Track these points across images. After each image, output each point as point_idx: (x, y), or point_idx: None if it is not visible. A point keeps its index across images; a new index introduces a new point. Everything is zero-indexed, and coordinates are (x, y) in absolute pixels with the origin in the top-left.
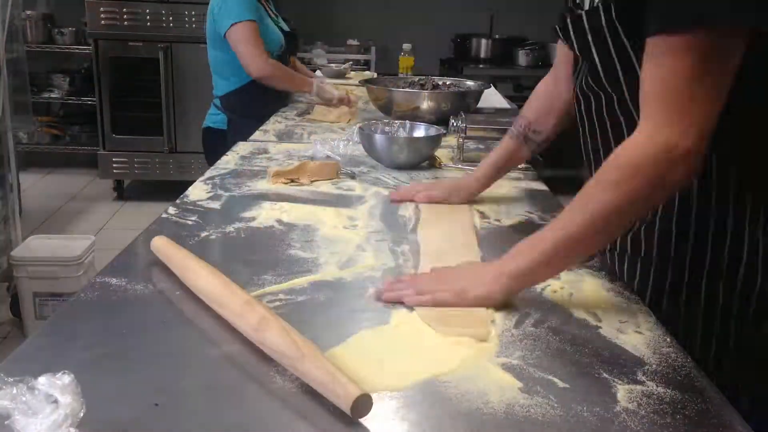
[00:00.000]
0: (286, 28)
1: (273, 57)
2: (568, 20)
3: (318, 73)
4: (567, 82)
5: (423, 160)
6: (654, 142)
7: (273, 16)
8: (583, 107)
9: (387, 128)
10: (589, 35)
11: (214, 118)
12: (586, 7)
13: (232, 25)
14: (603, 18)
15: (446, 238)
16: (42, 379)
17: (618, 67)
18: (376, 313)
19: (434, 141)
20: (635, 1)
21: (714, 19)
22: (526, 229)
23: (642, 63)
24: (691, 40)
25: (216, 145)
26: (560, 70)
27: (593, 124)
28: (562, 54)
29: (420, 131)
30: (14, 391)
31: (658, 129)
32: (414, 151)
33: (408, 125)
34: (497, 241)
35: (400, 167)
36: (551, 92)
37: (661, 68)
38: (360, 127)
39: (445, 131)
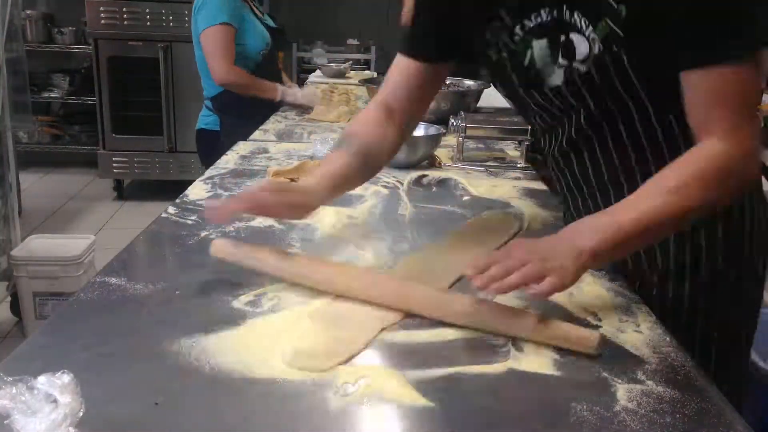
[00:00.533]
0: (272, 24)
1: (260, 55)
2: (577, 78)
3: (311, 77)
4: (410, 103)
5: (422, 159)
6: (732, 146)
7: (259, 14)
8: (585, 146)
9: None
10: (598, 84)
11: (207, 119)
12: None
13: (204, 28)
14: (612, 69)
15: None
16: (41, 379)
17: (615, 107)
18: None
19: (433, 140)
20: (652, 44)
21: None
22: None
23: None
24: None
25: (210, 146)
26: (398, 91)
27: (603, 154)
28: (403, 70)
29: (419, 130)
30: (14, 390)
31: (729, 135)
32: (412, 150)
33: None
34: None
35: (399, 167)
36: (381, 120)
37: (719, 85)
38: None
39: (444, 130)
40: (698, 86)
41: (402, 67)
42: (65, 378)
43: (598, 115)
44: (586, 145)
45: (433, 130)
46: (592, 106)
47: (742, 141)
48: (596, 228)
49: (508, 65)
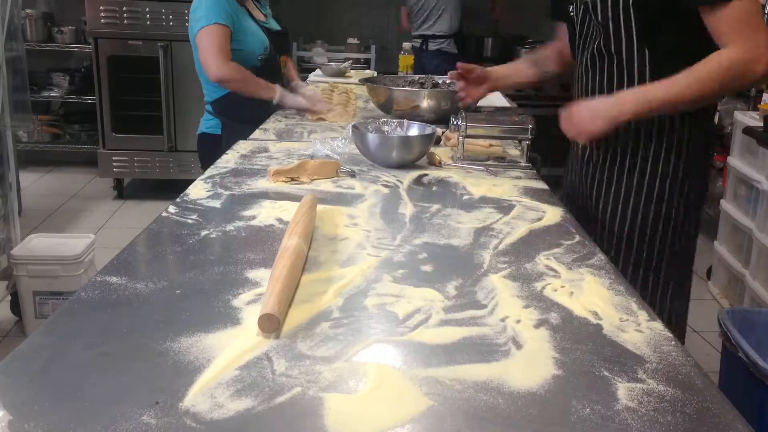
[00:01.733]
0: (276, 27)
1: (258, 60)
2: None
3: (311, 76)
4: (566, 47)
5: (417, 158)
6: (744, 51)
7: (262, 17)
8: (597, 66)
9: (385, 127)
10: (610, 13)
11: (208, 123)
12: None
13: (199, 29)
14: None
15: None
16: None
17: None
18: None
19: (426, 140)
20: None
21: None
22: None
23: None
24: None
25: (211, 150)
26: (559, 40)
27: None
28: (561, 31)
29: (414, 130)
30: None
31: (743, 44)
32: (408, 149)
33: (405, 124)
34: (498, 241)
35: (395, 166)
36: (557, 46)
37: (733, 10)
38: (354, 126)
39: (444, 129)
40: (715, 16)
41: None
42: None
43: (605, 43)
44: (596, 65)
45: (428, 129)
46: (603, 34)
47: (754, 47)
48: (636, 101)
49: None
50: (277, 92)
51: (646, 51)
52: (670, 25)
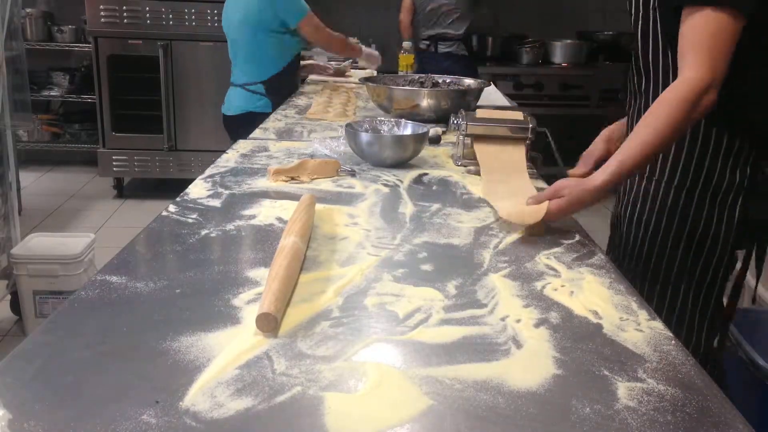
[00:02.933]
0: None
1: (292, 56)
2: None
3: (311, 75)
4: None
5: (409, 158)
6: (691, 81)
7: None
8: (635, 85)
9: (382, 126)
10: (641, 14)
11: (257, 103)
12: None
13: (302, 18)
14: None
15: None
16: None
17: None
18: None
19: (419, 139)
20: None
21: (721, 2)
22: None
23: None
24: (709, 14)
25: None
26: None
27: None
28: None
29: (407, 129)
30: None
31: (692, 73)
32: (402, 148)
33: (402, 123)
34: (500, 242)
35: (385, 165)
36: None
37: (691, 31)
38: (348, 125)
39: (444, 129)
40: (682, 26)
41: None
42: None
43: (642, 58)
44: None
45: (420, 128)
46: (640, 33)
47: (703, 74)
48: (603, 170)
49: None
50: (364, 52)
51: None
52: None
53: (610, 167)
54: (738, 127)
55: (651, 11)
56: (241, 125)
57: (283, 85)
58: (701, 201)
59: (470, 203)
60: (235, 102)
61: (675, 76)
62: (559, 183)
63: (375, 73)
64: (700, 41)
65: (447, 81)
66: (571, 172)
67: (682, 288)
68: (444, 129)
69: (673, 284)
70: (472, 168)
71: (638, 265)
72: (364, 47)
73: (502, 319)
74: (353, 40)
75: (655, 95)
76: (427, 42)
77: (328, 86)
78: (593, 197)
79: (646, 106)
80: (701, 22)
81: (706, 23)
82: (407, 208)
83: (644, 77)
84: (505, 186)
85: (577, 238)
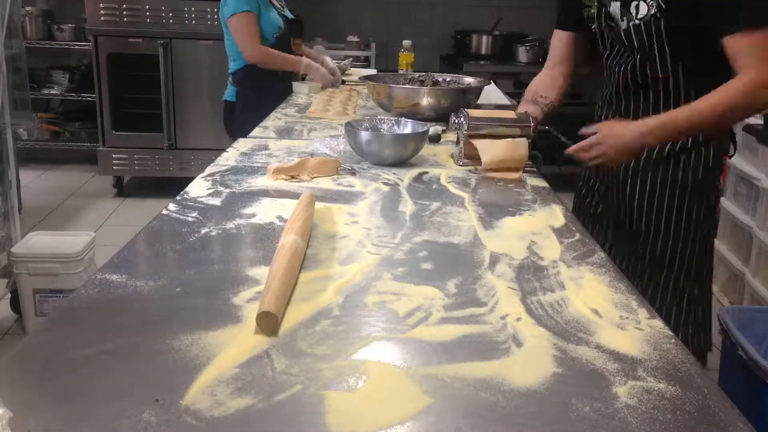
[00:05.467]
0: (290, 15)
1: (272, 38)
2: (632, 27)
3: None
4: (564, 61)
5: (409, 157)
6: (755, 80)
7: (278, 5)
8: (632, 90)
9: (382, 125)
10: (645, 38)
11: (229, 92)
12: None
13: (231, 15)
14: (653, 26)
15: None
16: None
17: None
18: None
19: (419, 138)
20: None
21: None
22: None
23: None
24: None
25: (229, 115)
26: (556, 54)
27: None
28: (557, 40)
29: (407, 128)
30: None
31: (757, 74)
32: (403, 147)
33: (402, 122)
34: (499, 238)
35: (385, 164)
36: (551, 74)
37: (753, 40)
38: (347, 124)
39: (445, 128)
40: (734, 45)
41: (556, 38)
42: None
43: (639, 64)
44: (630, 90)
45: (420, 127)
46: (638, 54)
47: (764, 76)
48: (660, 135)
49: (596, 14)
50: (303, 64)
51: (681, 75)
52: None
53: (660, 118)
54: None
55: (654, 34)
56: (224, 113)
57: (251, 78)
58: (695, 174)
59: (470, 202)
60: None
61: (675, 90)
62: (605, 128)
63: (327, 86)
64: (760, 52)
65: (447, 80)
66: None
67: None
68: (444, 128)
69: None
70: (472, 167)
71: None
72: (306, 60)
73: (502, 318)
74: (353, 38)
75: (638, 107)
76: None
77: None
78: (632, 145)
79: (636, 107)
80: (756, 38)
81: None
82: (407, 206)
83: (641, 89)
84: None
85: (578, 236)
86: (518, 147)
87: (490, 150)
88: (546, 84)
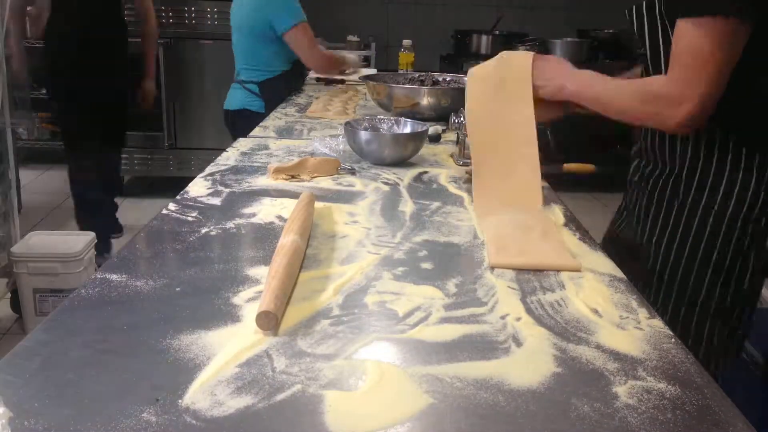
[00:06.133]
0: None
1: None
2: (634, 10)
3: (311, 72)
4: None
5: (409, 156)
6: (669, 90)
7: None
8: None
9: (381, 125)
10: (646, 24)
11: (252, 102)
12: None
13: (293, 26)
14: (657, 8)
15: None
16: None
17: (662, 55)
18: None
19: (418, 137)
20: None
21: (727, 11)
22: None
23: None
24: (709, 23)
25: (251, 125)
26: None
27: None
28: None
29: (408, 128)
30: None
31: (677, 80)
32: (402, 147)
33: (401, 122)
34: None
35: (384, 164)
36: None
37: (687, 40)
38: (347, 123)
39: (445, 127)
40: (676, 31)
41: None
42: None
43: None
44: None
45: (420, 126)
46: (647, 42)
47: (681, 88)
48: (576, 80)
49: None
50: (350, 64)
51: None
52: None
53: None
54: (756, 143)
55: (658, 18)
56: (238, 120)
57: (278, 89)
58: (732, 221)
59: (470, 202)
60: (234, 98)
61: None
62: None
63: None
64: (691, 53)
65: (447, 79)
66: None
67: (711, 311)
68: (444, 127)
69: (702, 307)
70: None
71: (671, 286)
72: (352, 57)
73: (502, 318)
74: (353, 37)
75: None
76: None
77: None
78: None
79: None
80: (694, 34)
81: (699, 36)
82: (407, 206)
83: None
84: (501, 188)
85: (578, 235)
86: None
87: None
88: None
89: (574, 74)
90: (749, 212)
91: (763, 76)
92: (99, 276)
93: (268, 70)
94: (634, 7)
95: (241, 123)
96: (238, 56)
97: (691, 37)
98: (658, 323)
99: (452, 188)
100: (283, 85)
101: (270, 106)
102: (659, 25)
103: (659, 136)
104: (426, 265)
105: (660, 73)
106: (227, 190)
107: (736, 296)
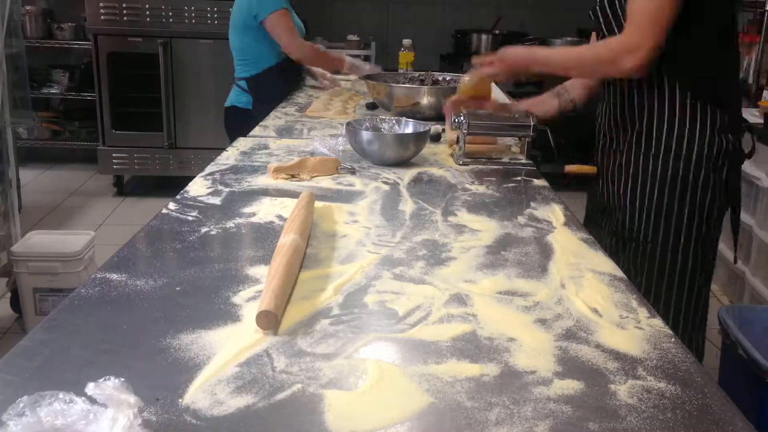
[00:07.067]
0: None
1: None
2: (598, 8)
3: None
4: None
5: (411, 156)
6: (626, 41)
7: None
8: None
9: (383, 125)
10: (609, 12)
11: (240, 98)
12: None
13: (272, 12)
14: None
15: None
16: (91, 386)
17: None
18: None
19: (420, 138)
20: None
21: None
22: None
23: None
24: None
25: (240, 122)
26: None
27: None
28: (593, 41)
29: (410, 128)
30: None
31: (631, 35)
32: (404, 147)
33: (402, 121)
34: (504, 239)
35: (386, 164)
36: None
37: (639, 4)
38: (348, 123)
39: (444, 127)
40: (630, 5)
41: (593, 39)
42: (113, 382)
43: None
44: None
45: (421, 127)
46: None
47: (634, 39)
48: (529, 53)
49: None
50: (348, 63)
51: (659, 67)
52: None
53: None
54: (706, 94)
55: (617, 6)
56: (228, 117)
57: (266, 85)
58: (697, 168)
59: (470, 201)
60: (230, 96)
61: (659, 85)
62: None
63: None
64: (641, 8)
65: (447, 78)
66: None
67: (689, 264)
68: (444, 127)
69: (681, 261)
70: (472, 166)
71: (645, 245)
72: (349, 58)
73: (503, 317)
74: (353, 37)
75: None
76: None
77: (332, 85)
78: (508, 63)
79: (616, 102)
80: None
81: None
82: (407, 205)
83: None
84: None
85: (578, 235)
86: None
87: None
88: (575, 81)
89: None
90: (708, 158)
91: (696, 25)
92: (99, 275)
93: (256, 65)
94: (597, 6)
95: (231, 120)
96: (233, 53)
97: (641, 1)
98: (658, 323)
99: (452, 187)
100: (273, 81)
101: (259, 103)
102: (620, 12)
103: (619, 110)
104: (426, 265)
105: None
106: (227, 189)
107: (705, 234)
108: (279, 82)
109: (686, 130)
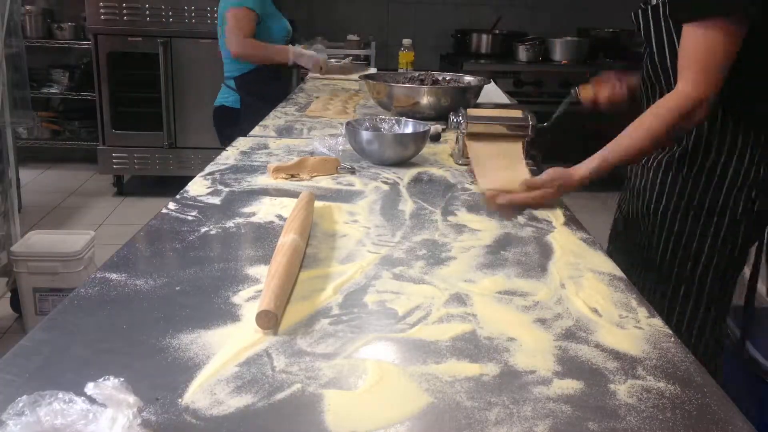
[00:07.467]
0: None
1: (284, 41)
2: (639, 11)
3: (311, 72)
4: None
5: (410, 156)
6: (685, 95)
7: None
8: (649, 91)
9: (382, 124)
10: (651, 25)
11: (228, 97)
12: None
13: (231, 7)
14: (661, 11)
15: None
16: (90, 386)
17: (667, 55)
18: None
19: (420, 137)
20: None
21: (726, 11)
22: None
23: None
24: (714, 24)
25: (228, 121)
26: None
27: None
28: None
29: (410, 128)
30: (60, 406)
31: (687, 88)
32: (403, 147)
33: (402, 121)
34: (506, 240)
35: (386, 164)
36: None
37: (693, 43)
38: (348, 123)
39: (444, 126)
40: (683, 38)
41: None
42: (113, 382)
43: (652, 57)
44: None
45: (421, 127)
46: (654, 43)
47: (696, 91)
48: (587, 164)
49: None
50: (290, 53)
51: None
52: None
53: (594, 161)
54: (746, 121)
55: (662, 21)
56: (217, 117)
57: (254, 84)
58: (717, 191)
59: (470, 201)
60: (218, 95)
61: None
62: (552, 172)
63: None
64: (696, 57)
65: (447, 78)
66: (583, 93)
67: (707, 284)
68: (444, 126)
69: (699, 280)
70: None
71: (662, 263)
72: (293, 47)
73: (503, 317)
74: (353, 36)
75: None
76: None
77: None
78: (575, 188)
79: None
80: (698, 38)
81: (704, 39)
82: (407, 205)
83: (656, 85)
84: (498, 171)
85: (578, 235)
86: (519, 172)
87: (489, 174)
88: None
89: (581, 167)
90: (743, 184)
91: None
92: (99, 275)
93: (243, 64)
94: (639, 10)
95: (219, 119)
96: (221, 53)
97: (696, 40)
98: (657, 322)
99: (452, 187)
100: (261, 80)
101: (246, 102)
102: (663, 27)
103: None
104: (426, 265)
105: (665, 69)
106: (227, 189)
107: (729, 262)
108: (267, 81)
109: (723, 155)
